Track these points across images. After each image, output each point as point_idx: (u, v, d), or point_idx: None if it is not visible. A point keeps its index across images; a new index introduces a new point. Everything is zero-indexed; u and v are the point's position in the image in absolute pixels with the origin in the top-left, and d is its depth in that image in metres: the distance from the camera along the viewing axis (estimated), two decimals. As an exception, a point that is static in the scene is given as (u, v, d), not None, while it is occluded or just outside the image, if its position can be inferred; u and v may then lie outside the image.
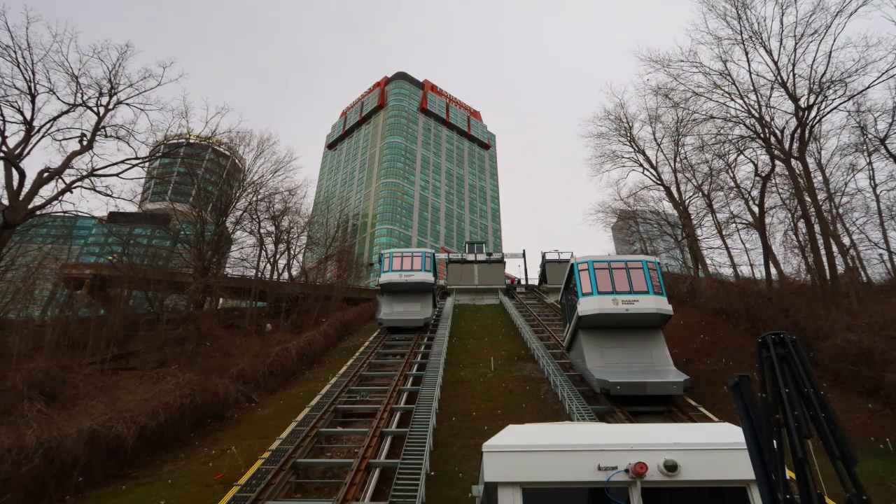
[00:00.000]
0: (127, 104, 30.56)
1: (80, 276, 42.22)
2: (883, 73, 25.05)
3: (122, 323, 32.25)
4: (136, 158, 30.69)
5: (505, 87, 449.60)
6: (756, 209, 33.57)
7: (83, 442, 15.38)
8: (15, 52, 25.96)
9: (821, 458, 2.94)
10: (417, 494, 11.58)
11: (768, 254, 33.34)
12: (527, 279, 63.49)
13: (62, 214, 28.83)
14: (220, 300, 45.64)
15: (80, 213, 29.58)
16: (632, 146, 44.67)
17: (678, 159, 41.65)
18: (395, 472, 12.83)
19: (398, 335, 32.38)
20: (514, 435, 5.63)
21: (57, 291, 44.33)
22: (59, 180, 27.65)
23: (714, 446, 4.87)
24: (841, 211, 33.37)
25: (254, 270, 46.91)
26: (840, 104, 27.31)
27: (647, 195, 47.39)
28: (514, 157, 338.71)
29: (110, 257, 48.91)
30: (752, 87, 29.07)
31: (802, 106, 26.81)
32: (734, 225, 38.69)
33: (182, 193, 71.24)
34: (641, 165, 44.35)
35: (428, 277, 34.73)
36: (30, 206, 26.05)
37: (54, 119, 28.04)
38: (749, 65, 28.82)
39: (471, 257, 57.94)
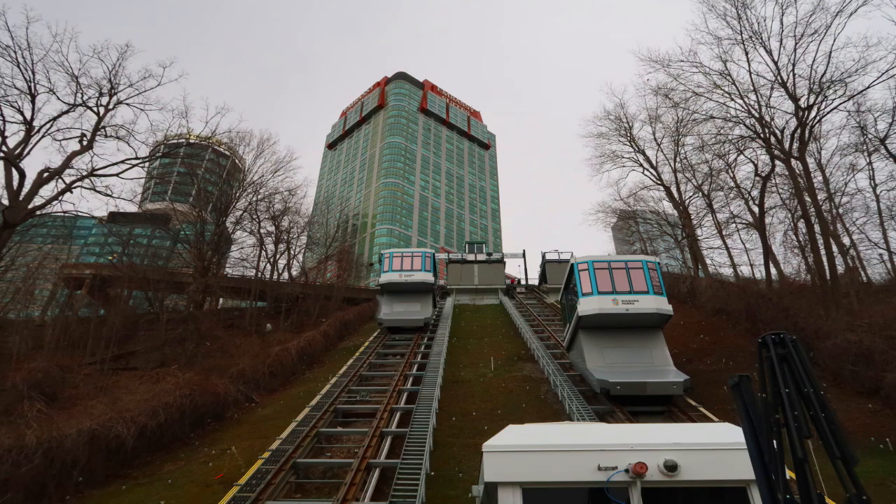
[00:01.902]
0: (127, 104, 30.55)
1: (80, 276, 42.23)
2: (883, 73, 25.08)
3: (122, 323, 32.24)
4: (136, 158, 30.69)
5: (505, 87, 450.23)
6: (756, 209, 33.58)
7: (83, 442, 15.39)
8: (15, 52, 25.94)
9: (821, 458, 2.93)
10: (417, 494, 11.57)
11: (768, 254, 33.36)
12: (527, 279, 63.54)
13: (62, 214, 28.78)
14: (220, 300, 45.66)
15: (80, 213, 29.55)
16: (632, 146, 44.72)
17: (678, 159, 41.71)
18: (395, 472, 12.83)
19: (398, 335, 32.38)
20: (514, 435, 5.63)
21: (57, 291, 44.35)
22: (59, 180, 27.64)
23: (714, 446, 4.87)
24: (841, 211, 33.45)
25: (254, 270, 47.00)
26: (840, 104, 27.34)
27: (647, 195, 47.47)
28: (514, 158, 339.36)
29: (110, 257, 48.90)
30: (752, 87, 29.09)
31: (802, 106, 26.79)
32: (734, 225, 38.77)
33: (182, 193, 71.22)
34: (641, 165, 44.39)
35: (428, 277, 34.74)
36: (30, 206, 26.02)
37: (54, 119, 28.03)
38: (749, 65, 28.86)
39: (471, 257, 57.91)
